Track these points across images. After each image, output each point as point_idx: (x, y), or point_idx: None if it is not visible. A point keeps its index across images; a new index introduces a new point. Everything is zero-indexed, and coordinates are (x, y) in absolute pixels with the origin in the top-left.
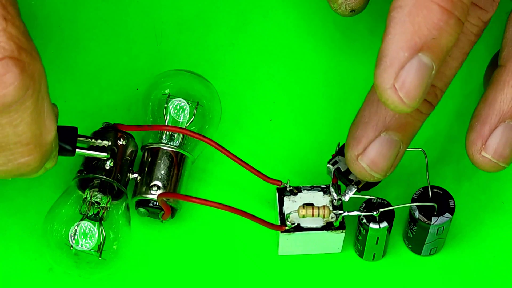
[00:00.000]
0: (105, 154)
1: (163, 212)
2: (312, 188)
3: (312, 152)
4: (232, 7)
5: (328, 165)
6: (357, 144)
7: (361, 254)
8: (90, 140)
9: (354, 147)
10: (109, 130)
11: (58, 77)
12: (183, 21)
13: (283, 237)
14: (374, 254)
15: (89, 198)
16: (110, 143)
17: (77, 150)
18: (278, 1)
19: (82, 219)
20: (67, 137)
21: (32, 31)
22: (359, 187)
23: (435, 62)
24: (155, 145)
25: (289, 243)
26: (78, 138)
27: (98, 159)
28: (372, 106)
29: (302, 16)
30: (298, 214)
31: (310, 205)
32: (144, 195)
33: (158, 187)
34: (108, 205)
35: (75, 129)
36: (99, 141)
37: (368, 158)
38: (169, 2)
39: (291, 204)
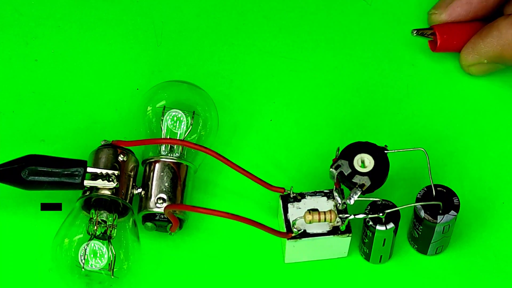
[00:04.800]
0: (115, 184)
1: (170, 224)
2: (315, 193)
3: (313, 158)
4: (232, 7)
5: (331, 169)
6: None
7: (367, 257)
8: (99, 172)
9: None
10: (110, 152)
11: (58, 77)
12: (183, 21)
13: (290, 244)
14: (381, 256)
15: (95, 218)
16: (119, 173)
17: (86, 182)
18: (278, 1)
19: (90, 239)
20: (76, 171)
21: (32, 31)
22: (363, 189)
23: None
24: (156, 158)
25: (295, 250)
26: (87, 170)
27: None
28: None
29: (302, 17)
30: (305, 220)
31: (315, 210)
32: (150, 209)
33: (164, 200)
34: (115, 223)
35: (84, 162)
36: (107, 171)
37: None
38: (169, 2)
39: (295, 211)
